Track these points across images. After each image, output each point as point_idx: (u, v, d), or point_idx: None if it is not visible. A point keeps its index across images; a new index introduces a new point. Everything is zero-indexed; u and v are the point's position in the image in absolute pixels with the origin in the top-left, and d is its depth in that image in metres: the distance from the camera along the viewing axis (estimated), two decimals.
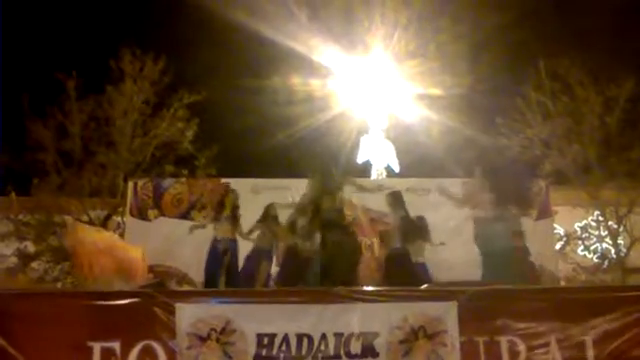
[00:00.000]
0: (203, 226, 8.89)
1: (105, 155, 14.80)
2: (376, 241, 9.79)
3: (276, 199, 10.22)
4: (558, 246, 12.03)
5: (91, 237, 8.38)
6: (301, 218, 8.08)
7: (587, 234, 15.81)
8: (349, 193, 10.27)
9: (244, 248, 8.75)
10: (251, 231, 8.78)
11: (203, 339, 5.49)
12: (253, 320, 5.55)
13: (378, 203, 9.34)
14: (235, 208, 8.78)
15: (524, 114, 15.76)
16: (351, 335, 5.50)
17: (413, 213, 8.69)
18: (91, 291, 6.93)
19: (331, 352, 5.46)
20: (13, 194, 14.65)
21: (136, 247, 8.76)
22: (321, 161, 9.09)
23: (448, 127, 16.22)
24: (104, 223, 9.83)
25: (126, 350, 5.46)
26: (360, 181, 10.36)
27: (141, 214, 10.19)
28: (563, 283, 10.97)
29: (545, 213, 10.46)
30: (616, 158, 14.99)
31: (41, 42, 18.59)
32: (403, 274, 7.56)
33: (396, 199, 8.53)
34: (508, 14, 16.43)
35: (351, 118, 16.65)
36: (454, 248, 8.98)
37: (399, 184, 10.35)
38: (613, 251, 15.19)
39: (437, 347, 5.49)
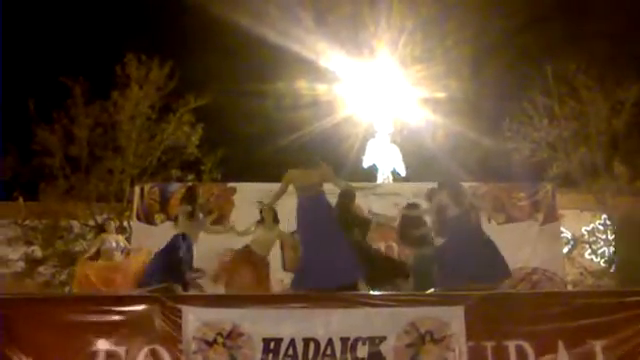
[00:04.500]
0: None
1: (112, 160, 14.86)
2: (383, 245, 9.72)
3: (281, 204, 10.23)
4: (565, 250, 11.99)
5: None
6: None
7: (594, 238, 15.74)
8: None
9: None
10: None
11: (209, 343, 5.48)
12: (260, 324, 5.54)
13: (384, 207, 9.31)
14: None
15: (531, 118, 15.74)
16: (358, 339, 5.48)
17: None
18: (97, 295, 6.95)
19: (337, 357, 5.44)
20: (20, 199, 14.72)
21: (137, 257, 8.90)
22: None
23: (454, 131, 16.21)
24: (103, 227, 9.83)
25: (132, 354, 5.46)
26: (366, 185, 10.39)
27: (147, 218, 10.21)
28: (570, 287, 10.92)
29: (552, 217, 10.42)
30: (623, 162, 14.94)
31: (48, 47, 18.71)
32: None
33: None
34: (514, 18, 16.44)
35: (357, 123, 16.64)
36: None
37: (405, 188, 10.35)
38: None
39: (444, 352, 5.47)
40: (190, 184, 8.27)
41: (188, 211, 7.97)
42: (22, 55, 16.56)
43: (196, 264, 8.33)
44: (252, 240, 8.51)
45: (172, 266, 7.46)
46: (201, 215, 8.23)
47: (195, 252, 7.91)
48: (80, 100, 14.83)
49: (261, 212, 8.66)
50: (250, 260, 8.36)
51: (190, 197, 8.35)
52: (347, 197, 7.58)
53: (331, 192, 7.39)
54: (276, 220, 8.56)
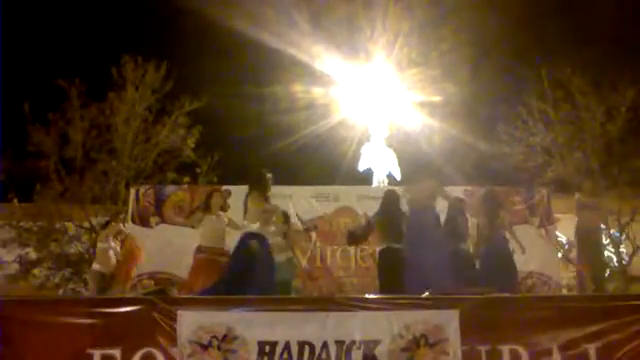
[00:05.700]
0: None
1: (107, 162, 14.84)
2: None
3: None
4: (560, 254, 11.99)
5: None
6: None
7: None
8: (351, 201, 10.35)
9: None
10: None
11: (204, 347, 5.46)
12: (255, 328, 5.53)
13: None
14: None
15: (526, 122, 15.80)
16: (352, 343, 5.47)
17: None
18: (92, 298, 6.93)
19: None
20: (15, 201, 14.67)
21: None
22: None
23: (450, 135, 16.27)
24: (104, 228, 9.83)
25: (127, 357, 5.44)
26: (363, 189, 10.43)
27: (143, 221, 10.18)
28: (565, 291, 10.93)
29: (547, 221, 10.45)
30: (618, 166, 15.00)
31: (44, 49, 18.69)
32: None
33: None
34: (510, 23, 16.54)
35: (353, 126, 16.68)
36: None
37: (401, 192, 10.33)
38: (615, 259, 15.15)
39: (439, 356, 5.47)
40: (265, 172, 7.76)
41: (262, 201, 7.37)
42: (18, 57, 16.54)
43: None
44: (201, 234, 8.13)
45: (246, 267, 6.96)
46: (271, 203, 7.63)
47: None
48: (76, 102, 14.81)
49: (207, 199, 8.37)
50: (209, 267, 7.92)
51: (264, 183, 7.68)
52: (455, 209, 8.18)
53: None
54: (225, 208, 8.35)
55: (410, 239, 7.50)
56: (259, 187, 7.58)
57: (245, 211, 7.44)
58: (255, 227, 7.27)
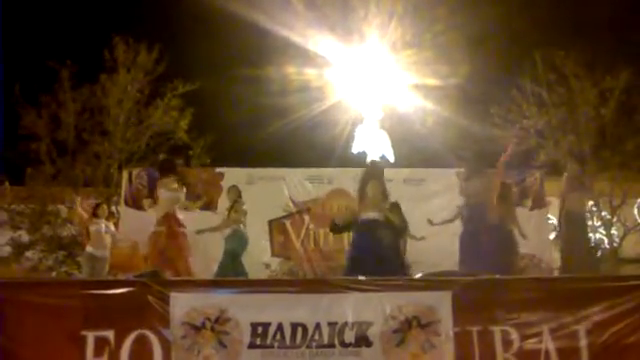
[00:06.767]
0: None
1: (99, 144, 14.79)
2: None
3: (270, 189, 10.26)
4: (552, 236, 12.06)
5: None
6: None
7: None
8: (345, 183, 10.36)
9: None
10: None
11: (197, 328, 5.47)
12: (248, 309, 5.54)
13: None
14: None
15: (520, 105, 15.81)
16: (345, 324, 5.49)
17: (408, 203, 8.70)
18: (85, 280, 6.93)
19: (325, 341, 5.46)
20: (7, 183, 14.63)
21: None
22: None
23: (444, 117, 16.22)
24: (94, 211, 9.76)
25: (120, 339, 5.44)
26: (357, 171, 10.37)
27: (135, 203, 10.20)
28: (557, 273, 11.01)
29: (539, 203, 10.54)
30: (611, 149, 15.04)
31: (35, 31, 18.50)
32: None
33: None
34: (505, 4, 16.43)
35: (346, 108, 16.58)
36: (446, 238, 8.95)
37: (394, 174, 10.36)
38: (606, 241, 15.26)
39: (431, 337, 5.49)
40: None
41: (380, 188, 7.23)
42: (9, 39, 16.37)
43: None
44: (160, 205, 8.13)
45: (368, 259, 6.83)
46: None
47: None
48: (67, 84, 14.73)
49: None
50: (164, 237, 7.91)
51: (381, 169, 7.60)
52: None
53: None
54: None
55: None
56: (378, 173, 7.45)
57: (361, 198, 7.24)
58: (374, 215, 7.13)
